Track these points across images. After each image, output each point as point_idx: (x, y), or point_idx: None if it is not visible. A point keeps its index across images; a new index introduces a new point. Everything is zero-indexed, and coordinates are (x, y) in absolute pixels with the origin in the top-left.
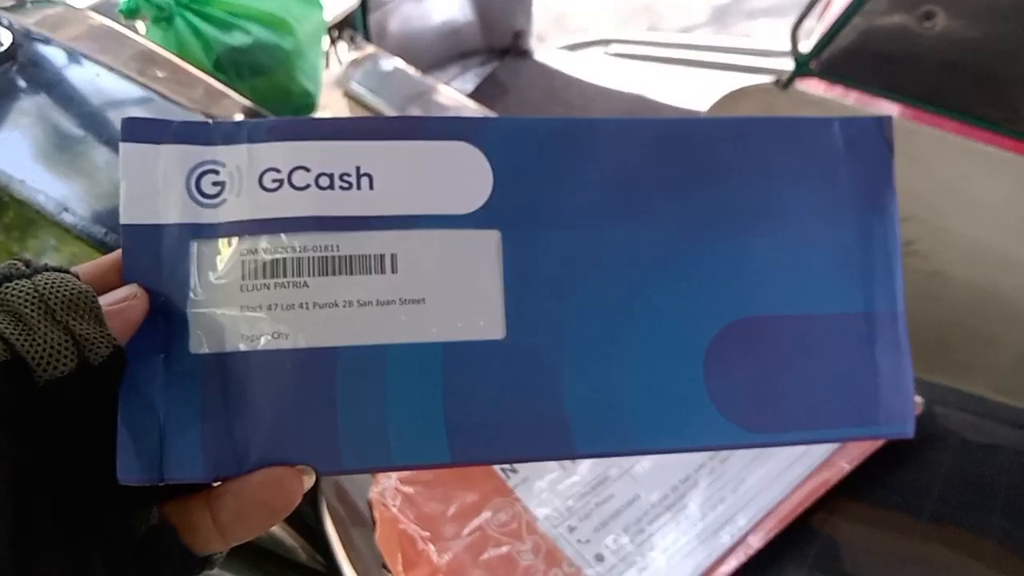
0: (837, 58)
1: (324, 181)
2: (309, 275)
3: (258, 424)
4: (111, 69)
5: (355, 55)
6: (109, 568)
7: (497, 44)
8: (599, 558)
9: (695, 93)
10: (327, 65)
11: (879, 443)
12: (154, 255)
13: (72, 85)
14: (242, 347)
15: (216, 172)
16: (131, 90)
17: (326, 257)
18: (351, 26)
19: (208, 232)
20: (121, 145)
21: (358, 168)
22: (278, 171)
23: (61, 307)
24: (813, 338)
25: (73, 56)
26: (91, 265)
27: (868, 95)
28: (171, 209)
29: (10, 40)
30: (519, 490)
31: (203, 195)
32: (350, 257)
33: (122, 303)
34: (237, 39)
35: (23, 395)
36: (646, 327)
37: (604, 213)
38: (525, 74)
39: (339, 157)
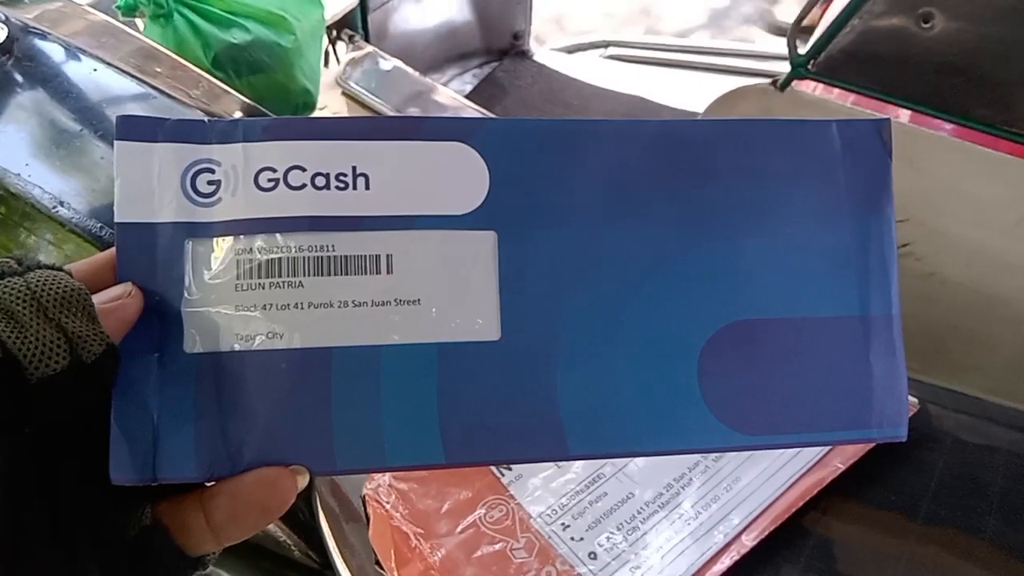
0: (834, 59)
1: (320, 181)
2: (304, 275)
3: (252, 424)
4: (109, 65)
5: (354, 54)
6: (101, 569)
7: (496, 45)
8: (592, 556)
9: (693, 95)
10: (326, 64)
11: (873, 444)
12: (149, 254)
13: (69, 80)
14: (237, 347)
15: (211, 171)
16: (130, 86)
17: (321, 257)
18: (350, 25)
19: (203, 231)
20: (116, 143)
21: (354, 168)
22: (274, 170)
23: (53, 304)
24: (808, 341)
25: (70, 51)
26: (85, 263)
27: (865, 97)
28: (166, 208)
29: (5, 34)
30: (513, 487)
31: (198, 194)
32: (345, 257)
33: (116, 301)
34: (236, 36)
35: (15, 393)
36: (641, 329)
37: (600, 214)
38: (524, 75)
39: (335, 157)
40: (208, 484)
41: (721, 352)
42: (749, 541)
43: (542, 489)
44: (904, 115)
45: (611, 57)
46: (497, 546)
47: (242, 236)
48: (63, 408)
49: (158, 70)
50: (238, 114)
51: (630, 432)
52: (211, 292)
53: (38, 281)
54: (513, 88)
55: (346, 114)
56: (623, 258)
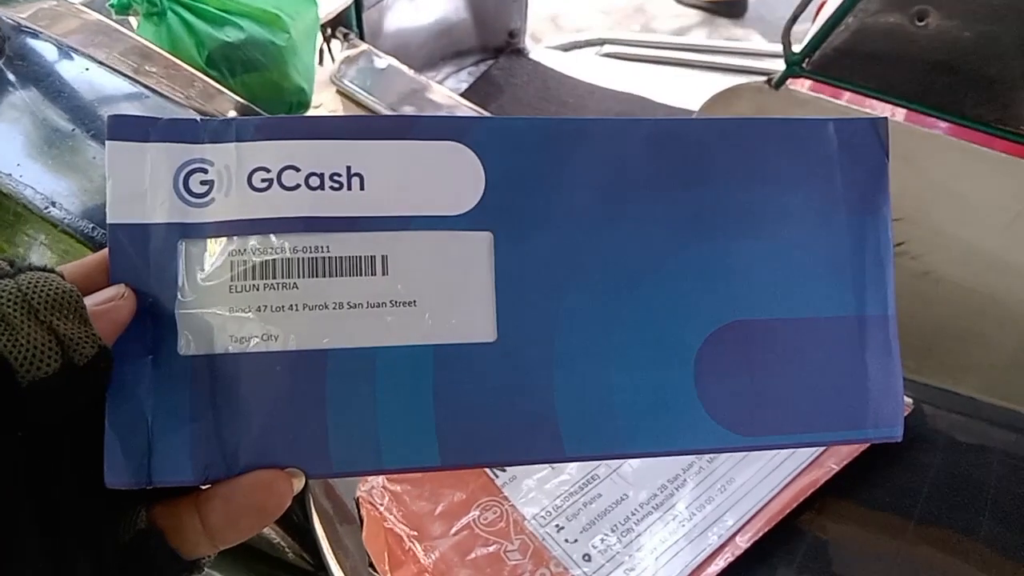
0: (829, 58)
1: (314, 181)
2: (299, 276)
3: (247, 426)
4: (103, 64)
5: (348, 53)
6: (95, 573)
7: (491, 43)
8: (586, 558)
9: (688, 93)
10: (320, 62)
11: (868, 444)
12: (141, 255)
13: (62, 79)
14: (231, 349)
15: (204, 171)
16: (123, 85)
17: (316, 258)
18: (345, 23)
19: (196, 232)
20: (108, 143)
21: (349, 168)
22: (267, 170)
23: (44, 306)
24: (804, 342)
25: (63, 50)
26: (77, 264)
27: (860, 95)
28: (159, 208)
29: None
30: (507, 489)
31: (191, 194)
32: (340, 258)
33: (108, 303)
34: (230, 35)
35: (6, 396)
36: (637, 329)
37: (596, 215)
38: (519, 73)
39: (329, 156)
40: (203, 487)
41: (717, 353)
42: (743, 542)
43: (536, 491)
44: (899, 113)
45: (607, 55)
46: (491, 548)
47: (236, 237)
48: (55, 411)
49: (152, 69)
50: (232, 114)
51: (626, 433)
52: (205, 293)
53: (29, 283)
54: (509, 86)
55: (341, 113)
56: (619, 258)
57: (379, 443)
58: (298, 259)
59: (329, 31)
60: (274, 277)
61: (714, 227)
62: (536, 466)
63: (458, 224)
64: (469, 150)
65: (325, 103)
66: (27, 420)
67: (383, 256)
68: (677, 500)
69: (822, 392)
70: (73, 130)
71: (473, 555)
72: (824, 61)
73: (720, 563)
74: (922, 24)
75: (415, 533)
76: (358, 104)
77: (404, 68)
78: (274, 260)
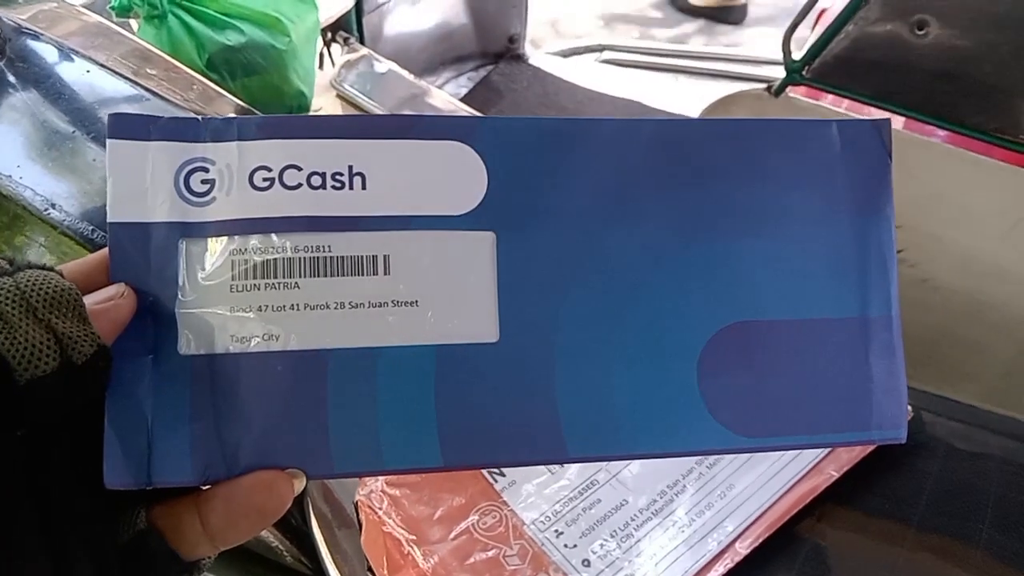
0: (829, 66)
1: (316, 180)
2: (300, 276)
3: (248, 427)
4: (103, 66)
5: (349, 57)
6: (94, 573)
7: (491, 48)
8: (586, 563)
9: (687, 100)
10: (320, 67)
11: (868, 450)
12: (142, 254)
13: (62, 81)
14: (232, 348)
15: (205, 170)
16: (123, 88)
17: (318, 258)
18: (345, 28)
19: (197, 231)
20: (108, 142)
21: (351, 167)
22: (269, 169)
23: (43, 305)
24: (808, 343)
25: (63, 52)
26: (77, 263)
27: (860, 103)
28: (159, 207)
29: None
30: (506, 494)
31: (192, 193)
32: (342, 258)
33: (108, 302)
34: (230, 38)
35: (4, 395)
36: (640, 330)
37: (599, 215)
38: (519, 78)
39: (331, 156)
40: (203, 488)
41: (721, 354)
42: (743, 548)
43: (535, 496)
44: (898, 122)
45: (606, 61)
46: (490, 553)
47: (237, 236)
48: (54, 410)
49: (152, 72)
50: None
51: (629, 434)
52: (205, 293)
53: (27, 281)
54: (508, 91)
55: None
56: (622, 259)
57: (380, 443)
58: (299, 259)
59: (329, 35)
60: (275, 277)
61: (717, 228)
62: (535, 471)
63: (460, 224)
64: (471, 150)
65: (325, 107)
66: (26, 419)
67: (385, 256)
68: (677, 506)
69: (826, 393)
70: (73, 132)
71: (472, 560)
72: (824, 69)
73: (719, 569)
74: (922, 33)
75: (414, 537)
76: (358, 108)
77: (404, 73)
78: (275, 260)
